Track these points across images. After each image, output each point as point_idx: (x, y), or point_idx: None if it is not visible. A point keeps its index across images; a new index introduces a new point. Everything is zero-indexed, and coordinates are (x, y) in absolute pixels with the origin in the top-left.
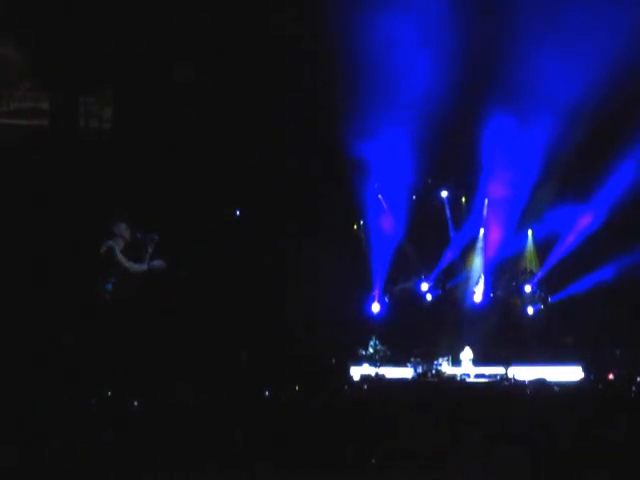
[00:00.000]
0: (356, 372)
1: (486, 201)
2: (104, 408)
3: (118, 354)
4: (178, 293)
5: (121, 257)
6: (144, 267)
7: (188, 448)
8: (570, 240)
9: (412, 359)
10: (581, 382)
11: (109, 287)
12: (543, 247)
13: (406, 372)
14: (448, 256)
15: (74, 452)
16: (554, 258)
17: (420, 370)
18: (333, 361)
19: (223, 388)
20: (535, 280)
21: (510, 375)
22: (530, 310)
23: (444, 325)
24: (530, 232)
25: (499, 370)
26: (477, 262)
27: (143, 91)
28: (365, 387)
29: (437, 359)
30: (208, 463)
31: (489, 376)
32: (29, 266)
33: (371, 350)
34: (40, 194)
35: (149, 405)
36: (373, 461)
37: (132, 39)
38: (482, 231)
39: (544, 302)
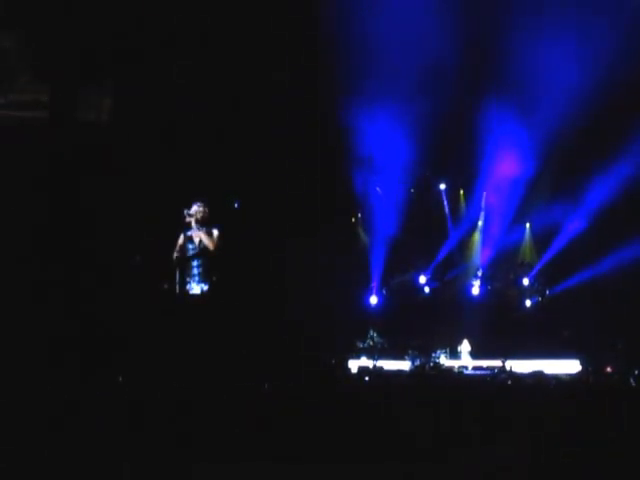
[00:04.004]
0: (354, 364)
1: (484, 194)
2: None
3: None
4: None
5: None
6: None
7: (186, 441)
8: (568, 232)
9: (410, 351)
10: (578, 375)
11: None
12: (541, 240)
13: (404, 364)
14: (446, 248)
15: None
16: (552, 251)
17: (418, 362)
18: (331, 354)
19: (222, 382)
20: (533, 273)
21: (508, 368)
22: (528, 303)
23: (442, 317)
24: (528, 225)
25: (497, 363)
26: (475, 254)
27: (143, 82)
28: (366, 379)
29: (435, 351)
30: (206, 456)
31: (487, 368)
32: (24, 255)
33: (369, 342)
34: (38, 185)
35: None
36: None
37: (132, 30)
38: (480, 224)
39: (542, 295)
